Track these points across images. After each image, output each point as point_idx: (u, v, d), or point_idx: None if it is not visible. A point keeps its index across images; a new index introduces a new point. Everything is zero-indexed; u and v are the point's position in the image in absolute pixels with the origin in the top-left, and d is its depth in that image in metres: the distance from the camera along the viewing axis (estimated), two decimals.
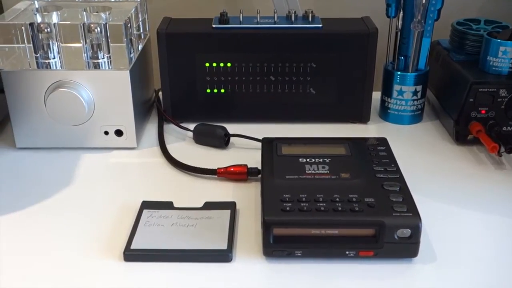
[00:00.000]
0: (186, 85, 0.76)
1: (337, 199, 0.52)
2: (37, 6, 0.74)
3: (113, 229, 0.56)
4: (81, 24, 0.67)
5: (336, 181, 0.55)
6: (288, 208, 0.51)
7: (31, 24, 0.67)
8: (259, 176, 0.64)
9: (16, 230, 0.56)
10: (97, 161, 0.69)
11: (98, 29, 0.68)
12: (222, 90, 0.76)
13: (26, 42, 0.68)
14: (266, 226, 0.50)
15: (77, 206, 0.61)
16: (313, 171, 0.56)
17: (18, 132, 0.70)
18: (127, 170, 0.68)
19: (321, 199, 0.52)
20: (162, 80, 0.75)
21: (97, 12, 0.70)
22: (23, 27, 0.67)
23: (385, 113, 0.79)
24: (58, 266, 0.51)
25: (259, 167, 0.64)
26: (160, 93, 0.83)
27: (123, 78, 0.67)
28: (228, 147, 0.72)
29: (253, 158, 0.67)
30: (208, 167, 0.65)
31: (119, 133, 0.70)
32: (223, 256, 0.51)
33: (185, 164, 0.66)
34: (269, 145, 0.62)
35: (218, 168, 0.64)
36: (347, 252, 0.50)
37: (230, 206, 0.58)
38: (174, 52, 0.74)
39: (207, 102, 0.77)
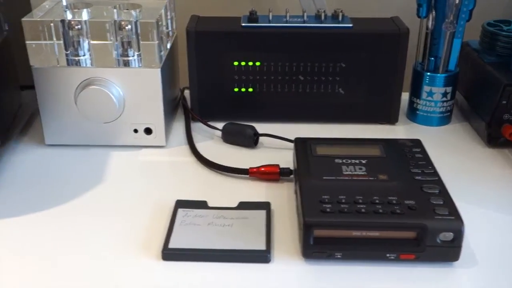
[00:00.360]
0: (214, 83, 0.75)
1: (377, 201, 0.51)
2: (64, 3, 0.74)
3: (148, 228, 0.56)
4: (112, 22, 0.67)
5: (374, 182, 0.54)
6: (328, 210, 0.50)
7: (62, 21, 0.67)
8: (291, 176, 0.64)
9: (47, 229, 0.56)
10: (127, 159, 0.69)
11: (129, 26, 0.67)
12: (250, 89, 0.76)
13: (55, 39, 0.67)
14: (307, 228, 0.49)
15: (109, 205, 0.60)
16: (350, 172, 0.56)
17: (48, 129, 0.70)
18: (157, 168, 0.67)
19: (360, 201, 0.51)
20: (190, 78, 0.75)
21: (127, 9, 0.69)
22: (52, 24, 0.67)
23: (413, 114, 0.78)
24: (95, 265, 0.51)
25: (290, 167, 0.64)
26: (186, 91, 0.83)
27: (154, 76, 0.67)
28: (257, 146, 0.72)
29: (282, 158, 0.67)
30: (238, 167, 0.65)
31: (148, 131, 0.70)
32: (262, 256, 0.51)
33: (216, 163, 0.66)
34: (302, 145, 0.61)
35: (250, 168, 0.64)
36: (387, 255, 0.50)
37: (265, 206, 0.58)
38: (203, 50, 0.73)
39: (234, 101, 0.76)
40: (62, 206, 0.60)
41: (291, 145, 0.69)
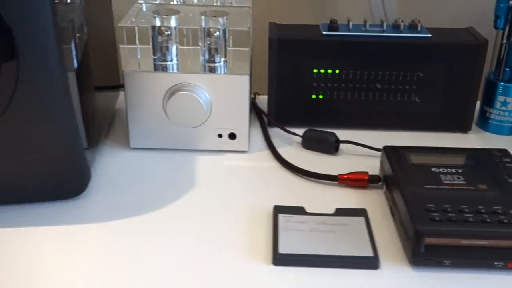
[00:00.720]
0: (292, 90, 0.77)
1: (482, 211, 0.52)
2: (144, 9, 0.75)
3: (249, 233, 0.57)
4: (202, 28, 0.69)
5: (476, 192, 0.56)
6: (437, 218, 0.51)
7: (153, 27, 0.68)
8: (379, 183, 0.65)
9: (147, 233, 0.57)
10: (212, 164, 0.70)
11: (218, 33, 0.69)
12: (327, 96, 0.77)
13: (137, 44, 0.69)
14: (418, 236, 0.51)
15: (204, 210, 0.61)
16: (450, 181, 0.57)
17: (134, 132, 0.71)
18: (244, 173, 0.69)
19: (466, 210, 0.53)
20: (269, 84, 0.76)
21: (214, 16, 0.70)
22: (136, 28, 0.68)
23: (485, 123, 0.79)
24: (204, 271, 0.52)
25: (373, 174, 0.65)
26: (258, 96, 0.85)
27: (242, 83, 0.68)
28: (337, 153, 0.73)
29: (363, 165, 0.68)
30: (320, 172, 0.67)
31: (232, 136, 0.71)
32: (371, 263, 0.52)
33: (304, 170, 0.67)
34: (395, 154, 0.63)
35: (339, 175, 0.65)
36: (495, 263, 0.51)
37: (363, 213, 0.59)
38: (284, 57, 0.75)
39: (311, 107, 0.78)
40: (159, 211, 0.61)
41: (370, 152, 0.71)
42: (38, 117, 0.54)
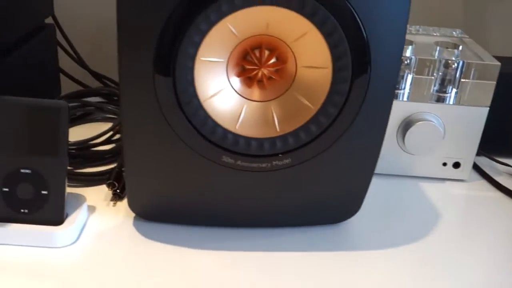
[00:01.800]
0: (500, 121, 0.78)
1: None
2: None
3: None
4: (439, 59, 0.70)
5: None
6: None
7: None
8: None
9: (429, 262, 0.59)
10: (442, 192, 0.71)
11: (455, 65, 0.70)
12: None
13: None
14: None
15: (464, 241, 0.63)
16: None
17: None
18: (474, 203, 0.70)
19: None
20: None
21: (447, 48, 0.72)
22: None
23: None
24: None
25: None
26: None
27: (480, 115, 0.70)
28: None
29: None
30: None
31: (456, 165, 0.73)
32: None
33: None
34: None
35: None
36: None
37: None
38: (503, 90, 0.76)
39: None
40: (420, 240, 0.62)
41: None
42: (371, 136, 0.55)
